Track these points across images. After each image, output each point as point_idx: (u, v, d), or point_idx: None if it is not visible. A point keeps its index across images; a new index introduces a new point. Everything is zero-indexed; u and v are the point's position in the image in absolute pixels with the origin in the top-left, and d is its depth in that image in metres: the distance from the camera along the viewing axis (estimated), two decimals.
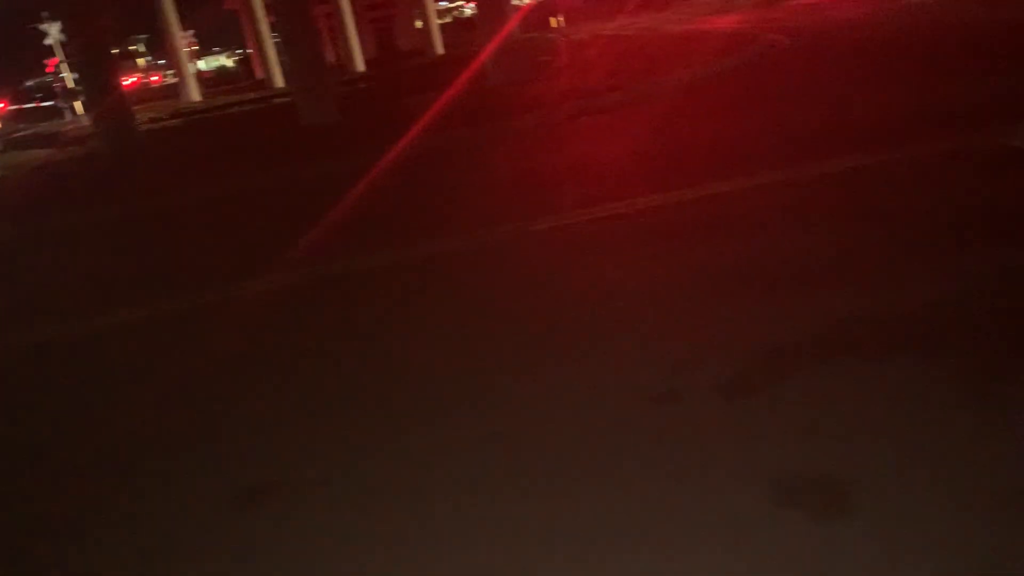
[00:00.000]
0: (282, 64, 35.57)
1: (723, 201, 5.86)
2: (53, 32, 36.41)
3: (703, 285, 4.42)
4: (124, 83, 25.13)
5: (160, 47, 50.30)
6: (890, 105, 7.95)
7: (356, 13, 42.72)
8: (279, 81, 38.81)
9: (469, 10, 48.72)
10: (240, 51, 53.89)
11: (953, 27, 12.85)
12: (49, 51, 38.09)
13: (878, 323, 3.58)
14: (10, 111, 45.02)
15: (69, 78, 36.19)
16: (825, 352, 3.42)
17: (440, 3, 47.57)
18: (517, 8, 20.89)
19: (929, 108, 7.46)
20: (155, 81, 37.71)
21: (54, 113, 42.13)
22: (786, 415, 3.03)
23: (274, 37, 39.83)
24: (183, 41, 40.08)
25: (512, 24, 16.43)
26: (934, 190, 5.24)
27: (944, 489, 2.46)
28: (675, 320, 4.06)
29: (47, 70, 43.12)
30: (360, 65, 39.49)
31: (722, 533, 2.46)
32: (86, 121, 28.53)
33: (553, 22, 30.89)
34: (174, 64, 40.84)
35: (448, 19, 49.98)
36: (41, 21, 37.08)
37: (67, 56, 32.58)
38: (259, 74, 40.88)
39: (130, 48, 65.68)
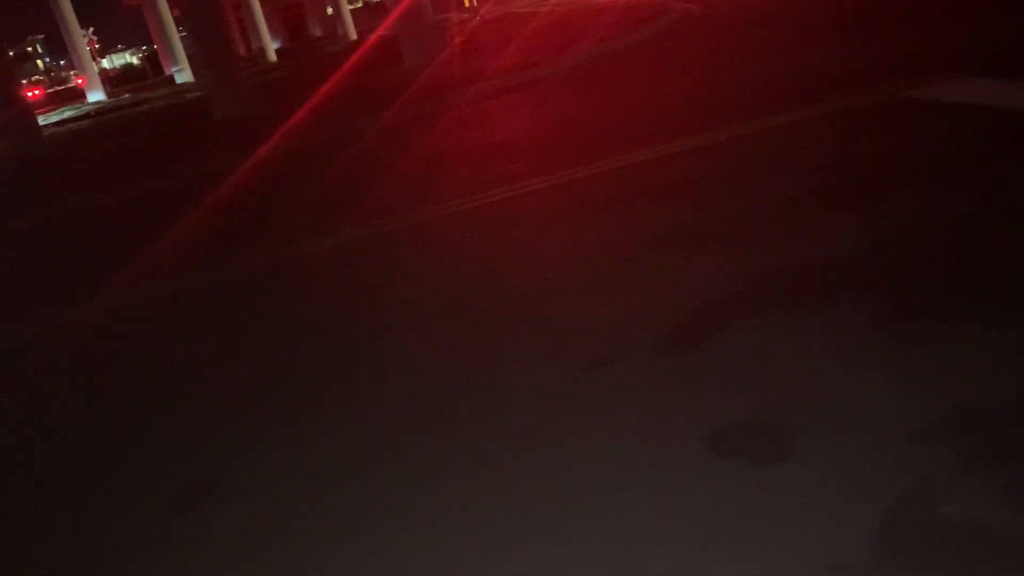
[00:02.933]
0: (191, 59, 34.56)
1: (644, 168, 5.91)
2: None
3: (632, 249, 4.46)
4: (28, 93, 24.11)
5: (59, 47, 48.24)
6: (798, 68, 8.12)
7: (264, 2, 41.71)
8: (188, 76, 37.72)
9: None
10: (145, 48, 52.13)
11: None
12: None
13: (802, 274, 3.66)
14: None
15: None
16: (756, 306, 3.48)
17: None
18: None
19: (835, 69, 7.66)
20: (79, 84, 36.13)
21: None
22: (721, 369, 3.08)
23: (180, 32, 38.67)
24: (84, 40, 38.51)
25: (425, 5, 16.21)
26: (846, 143, 5.38)
27: (875, 425, 2.54)
28: (607, 285, 4.09)
29: None
30: (272, 55, 38.62)
31: (660, 484, 2.49)
32: None
33: (467, 2, 30.66)
34: (76, 64, 39.28)
35: (359, 4, 49.18)
36: None
37: None
38: (167, 70, 39.61)
39: (27, 49, 62.79)
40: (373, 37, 33.42)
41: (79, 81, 39.34)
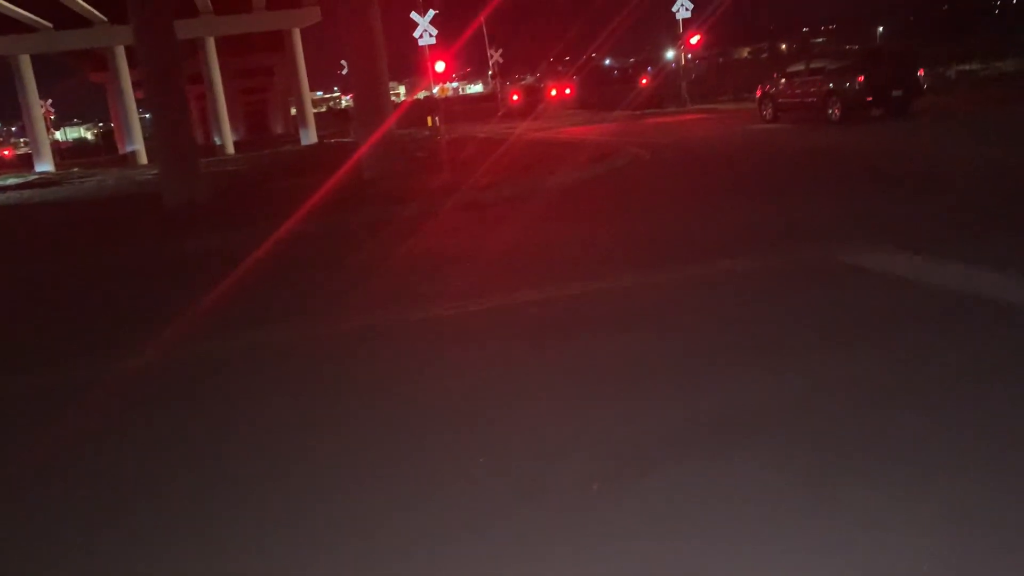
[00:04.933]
0: (147, 140, 34.66)
1: (586, 300, 6.09)
2: None
3: (550, 383, 4.54)
4: None
5: (14, 114, 47.94)
6: (734, 221, 8.57)
7: (229, 95, 42.38)
8: (143, 158, 37.70)
9: (345, 101, 49.31)
10: (101, 125, 52.14)
11: (792, 151, 14.16)
12: None
13: (714, 424, 3.78)
14: None
15: None
16: (678, 450, 3.57)
17: (316, 94, 47.89)
18: (395, 104, 21.33)
19: (769, 226, 8.10)
20: (6, 155, 35.70)
21: None
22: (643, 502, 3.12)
23: (140, 112, 38.89)
24: (40, 109, 38.39)
25: (390, 119, 16.73)
26: (775, 300, 5.64)
27: None
28: (538, 417, 4.14)
29: None
30: (230, 147, 38.99)
31: None
32: None
33: (429, 121, 31.65)
34: (28, 131, 38.98)
35: (323, 108, 50.33)
36: None
37: None
38: (121, 148, 39.55)
39: None
40: (335, 142, 34.06)
41: (30, 150, 38.93)
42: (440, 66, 16.54)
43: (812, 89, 19.36)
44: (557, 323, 5.65)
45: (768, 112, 21.12)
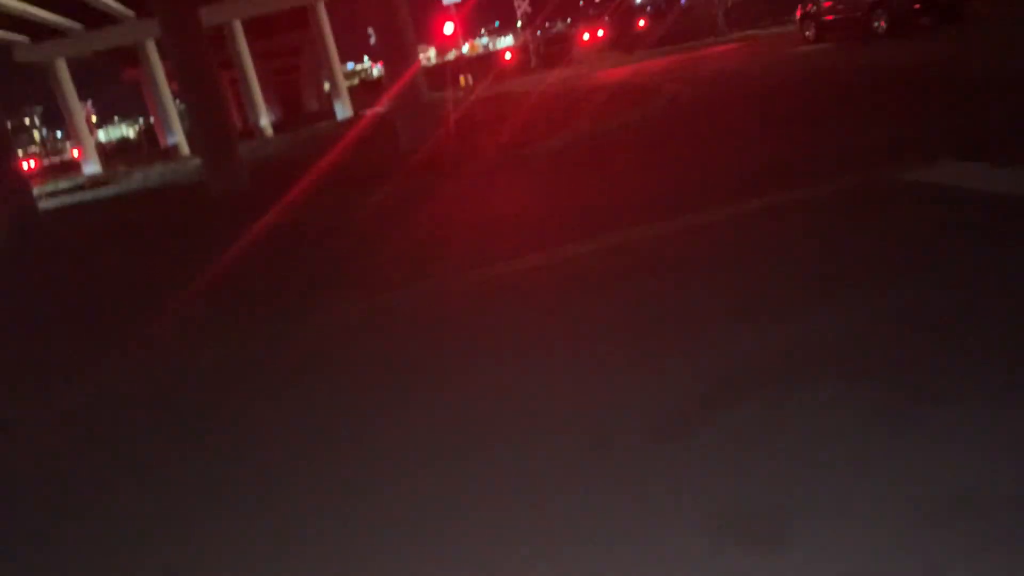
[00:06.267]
0: (187, 132, 35.07)
1: (645, 246, 5.93)
2: None
3: (631, 329, 4.43)
4: (24, 164, 24.37)
5: (56, 118, 48.91)
6: (785, 150, 8.27)
7: (261, 78, 42.51)
8: (185, 149, 38.21)
9: (376, 71, 49.16)
10: (141, 119, 52.96)
11: (838, 72, 13.62)
12: None
13: (793, 356, 3.64)
14: None
15: None
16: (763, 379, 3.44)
17: (347, 66, 47.79)
18: (425, 68, 21.09)
19: (823, 152, 7.80)
20: (76, 156, 36.57)
21: None
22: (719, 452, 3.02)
23: (178, 105, 39.31)
24: (82, 112, 39.09)
25: (420, 84, 16.53)
26: (837, 227, 5.42)
27: (874, 509, 2.47)
28: (607, 364, 4.04)
29: None
30: (269, 130, 39.23)
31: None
32: None
33: (462, 80, 31.35)
34: (72, 135, 39.74)
35: (355, 81, 50.24)
36: None
37: None
38: (163, 143, 40.12)
39: (24, 121, 63.61)
40: (370, 113, 34.04)
41: (75, 153, 39.75)
42: (449, 27, 16.27)
43: (855, 2, 18.56)
44: (642, 266, 5.53)
45: (810, 32, 20.33)
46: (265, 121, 39.24)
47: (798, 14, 21.12)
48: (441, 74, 31.71)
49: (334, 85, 41.64)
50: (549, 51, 44.06)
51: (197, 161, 22.11)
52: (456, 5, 16.05)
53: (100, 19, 35.08)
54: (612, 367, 4.08)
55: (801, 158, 7.73)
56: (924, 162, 6.38)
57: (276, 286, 7.58)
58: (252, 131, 38.43)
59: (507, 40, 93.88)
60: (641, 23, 37.73)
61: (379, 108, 34.10)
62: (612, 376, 3.97)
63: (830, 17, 19.60)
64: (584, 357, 4.28)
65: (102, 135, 52.68)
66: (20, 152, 39.60)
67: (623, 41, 39.44)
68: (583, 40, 46.04)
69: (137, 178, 27.42)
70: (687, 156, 9.47)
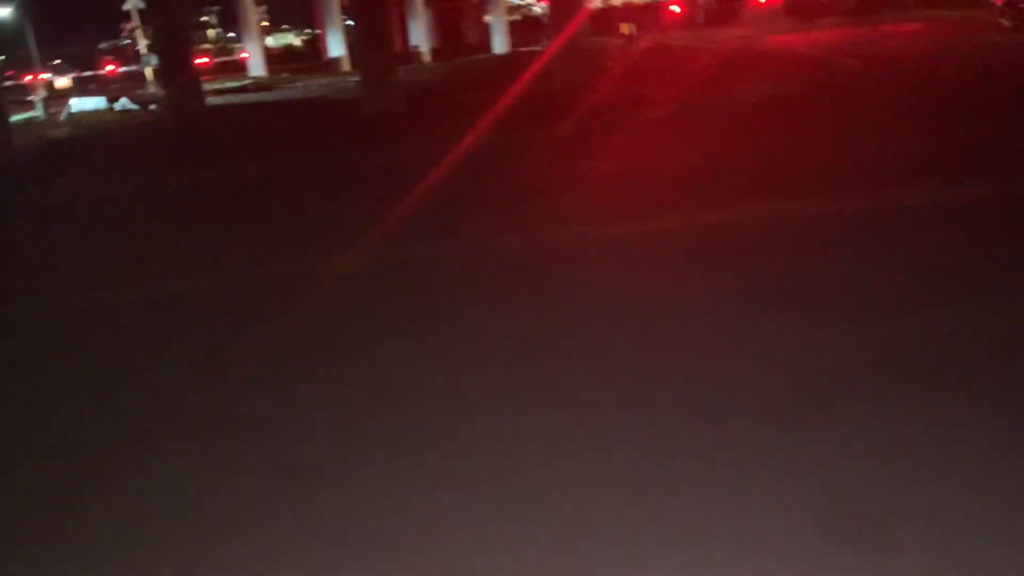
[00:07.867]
0: (350, 48, 35.92)
1: (787, 224, 5.71)
2: None
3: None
4: (198, 61, 25.61)
5: (231, 21, 51.09)
6: (950, 139, 7.78)
7: (427, 3, 42.86)
8: (345, 64, 39.14)
9: (539, 9, 48.63)
10: (308, 31, 54.52)
11: None
12: (126, 15, 38.52)
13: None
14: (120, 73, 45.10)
15: (143, 44, 36.71)
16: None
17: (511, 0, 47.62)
18: (588, 12, 20.72)
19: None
20: (243, 58, 38.24)
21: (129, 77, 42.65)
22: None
23: (344, 19, 40.23)
24: (256, 17, 40.62)
25: (584, 27, 16.28)
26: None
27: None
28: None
29: (122, 34, 43.95)
30: (427, 56, 39.61)
31: None
32: (154, 88, 29.01)
33: (624, 28, 30.58)
34: (245, 38, 41.38)
35: (517, 16, 49.90)
36: None
37: (143, 21, 33.04)
38: (325, 55, 41.25)
39: (202, 19, 66.77)
40: (526, 51, 33.84)
41: (244, 55, 41.45)
42: None
43: None
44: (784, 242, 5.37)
45: (1008, 21, 18.68)
46: (424, 47, 39.66)
47: (998, 1, 19.42)
48: (606, 19, 31.05)
49: (496, 18, 41.51)
50: (721, 7, 42.29)
51: (355, 77, 22.62)
52: None
53: None
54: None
55: (980, 152, 7.19)
56: None
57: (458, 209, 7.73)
58: (410, 55, 38.91)
59: None
60: None
61: (537, 47, 33.91)
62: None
63: None
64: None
65: (271, 40, 54.66)
66: (200, 58, 41.72)
67: (799, 7, 37.35)
68: (758, 1, 43.92)
69: (296, 87, 28.36)
70: (850, 135, 8.98)
